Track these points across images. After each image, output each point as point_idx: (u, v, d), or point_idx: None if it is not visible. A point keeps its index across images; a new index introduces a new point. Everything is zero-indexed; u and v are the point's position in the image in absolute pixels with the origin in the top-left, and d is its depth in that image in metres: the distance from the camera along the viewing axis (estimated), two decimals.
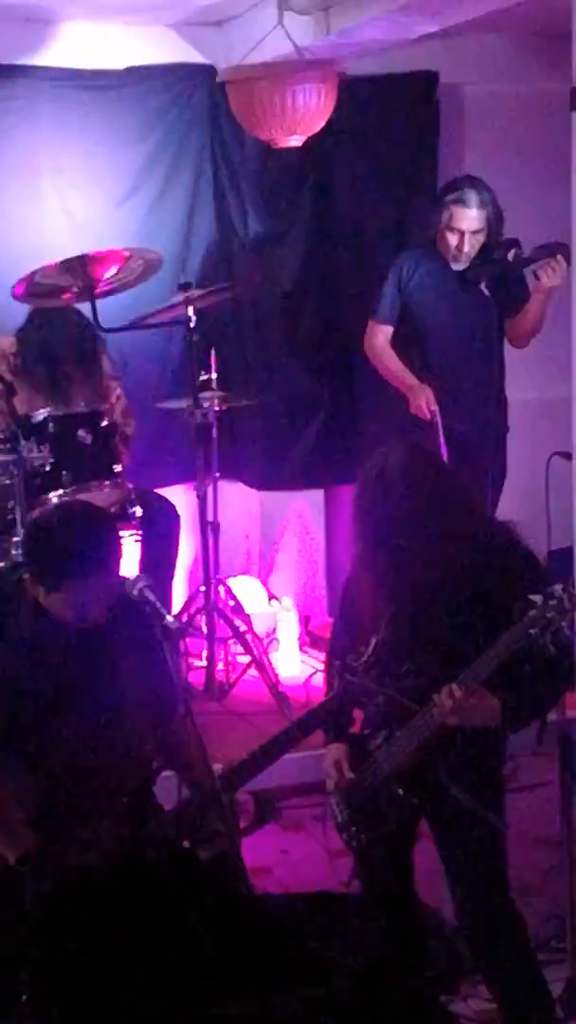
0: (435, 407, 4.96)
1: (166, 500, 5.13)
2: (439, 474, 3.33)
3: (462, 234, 4.91)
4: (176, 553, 5.13)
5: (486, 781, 3.24)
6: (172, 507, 5.10)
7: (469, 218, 4.90)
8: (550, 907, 3.92)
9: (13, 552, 4.28)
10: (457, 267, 4.99)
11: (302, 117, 4.77)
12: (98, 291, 4.65)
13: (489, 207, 4.90)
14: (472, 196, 4.88)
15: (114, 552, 3.25)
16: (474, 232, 4.91)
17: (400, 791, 3.24)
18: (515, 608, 3.00)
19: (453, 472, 3.73)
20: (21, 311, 4.87)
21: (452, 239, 4.94)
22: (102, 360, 4.97)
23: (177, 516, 5.11)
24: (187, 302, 4.80)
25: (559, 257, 4.73)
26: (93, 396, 4.84)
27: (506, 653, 3.02)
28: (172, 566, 5.11)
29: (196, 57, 5.54)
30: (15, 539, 4.29)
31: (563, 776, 3.87)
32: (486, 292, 4.90)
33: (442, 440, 4.88)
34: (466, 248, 4.94)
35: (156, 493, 5.12)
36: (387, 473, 3.19)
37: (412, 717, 3.17)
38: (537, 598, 2.97)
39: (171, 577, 5.11)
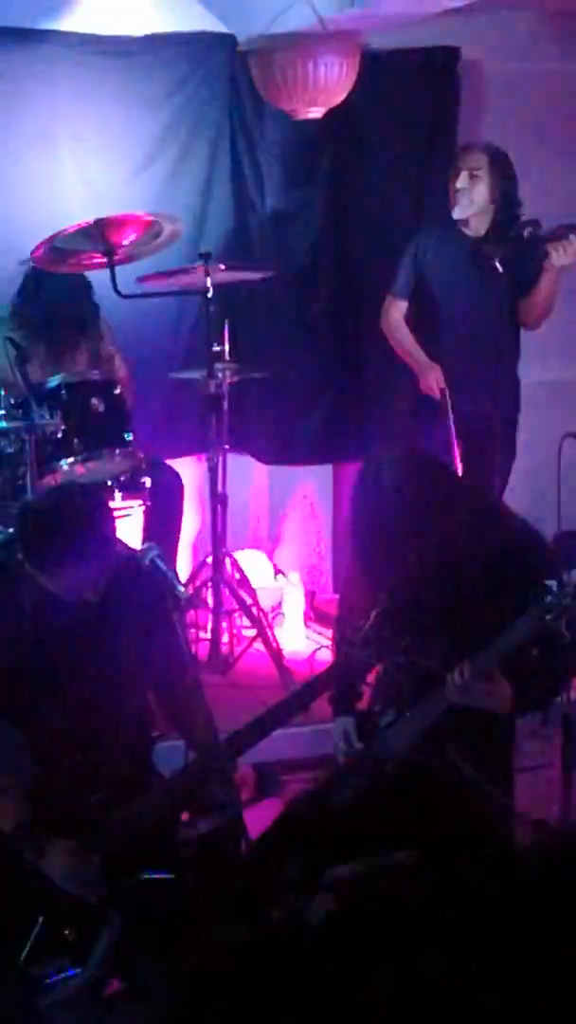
0: (444, 386, 4.95)
1: (172, 470, 5.12)
2: (437, 479, 3.25)
3: (456, 178, 4.91)
4: (180, 524, 5.13)
5: (496, 761, 3.24)
6: (178, 477, 5.10)
7: (467, 156, 4.92)
8: None
9: None
10: (455, 215, 4.96)
11: (323, 89, 4.75)
12: (117, 257, 4.65)
13: (495, 159, 4.90)
14: (476, 141, 4.92)
15: (103, 535, 3.18)
16: (472, 170, 4.89)
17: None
18: (529, 595, 2.98)
19: (453, 472, 3.68)
20: None
21: (453, 182, 4.94)
22: (100, 327, 4.97)
23: (181, 486, 5.10)
24: (206, 272, 4.78)
25: (571, 237, 4.71)
26: (92, 362, 4.85)
27: (520, 638, 3.01)
28: (176, 536, 5.11)
29: (217, 26, 5.50)
30: None
31: (564, 758, 3.87)
32: (500, 269, 4.86)
33: (451, 419, 4.87)
34: (458, 185, 4.90)
35: (162, 462, 5.11)
36: (382, 484, 3.16)
37: (423, 697, 3.17)
38: (553, 584, 2.94)
39: (175, 547, 5.11)
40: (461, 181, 4.92)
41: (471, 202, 4.94)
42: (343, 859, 1.28)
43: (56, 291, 4.81)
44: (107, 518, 3.24)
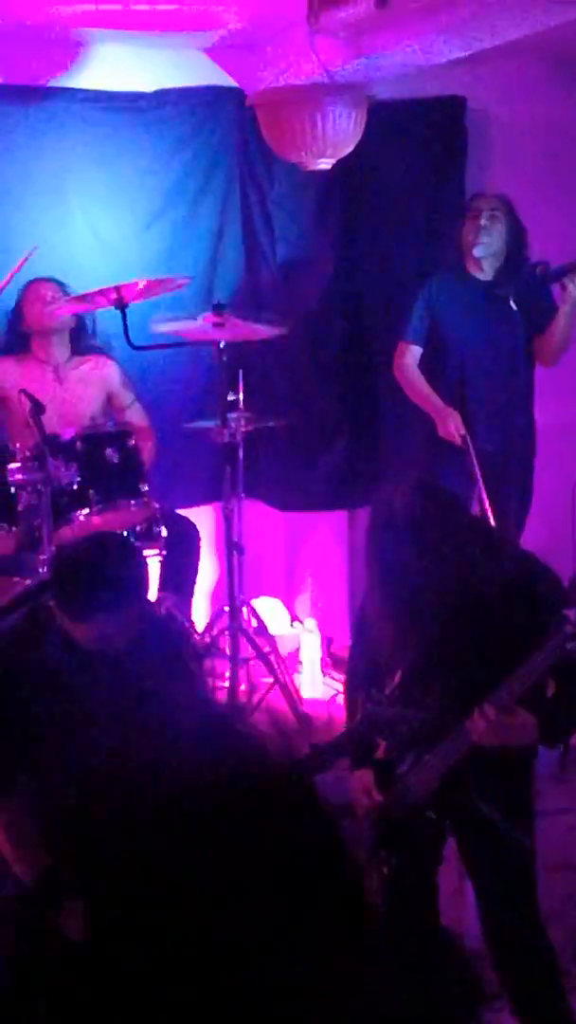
0: (464, 431, 4.95)
1: (187, 520, 5.15)
2: (448, 512, 3.23)
3: (477, 218, 4.96)
4: (196, 573, 5.15)
5: (517, 802, 3.22)
6: (194, 527, 5.12)
7: (484, 200, 5.00)
8: (570, 934, 3.89)
9: (40, 570, 4.30)
10: (476, 253, 5.00)
11: (331, 140, 4.78)
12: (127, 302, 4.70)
13: (508, 207, 4.99)
14: (490, 190, 5.00)
15: (140, 584, 3.20)
16: (491, 213, 4.96)
17: (432, 815, 3.21)
18: (545, 626, 2.98)
19: (460, 501, 3.67)
20: None
21: (469, 228, 4.99)
22: (116, 376, 5.05)
23: (198, 537, 5.12)
24: (218, 326, 4.81)
25: None
26: (105, 413, 4.92)
27: (541, 669, 3.00)
28: (192, 586, 5.12)
29: (226, 80, 5.57)
30: (42, 556, 4.32)
31: None
32: (514, 307, 4.86)
33: (475, 463, 4.85)
34: (482, 223, 4.97)
35: (178, 513, 5.14)
36: (394, 517, 3.17)
37: (442, 741, 3.15)
38: (572, 612, 2.94)
39: (191, 597, 5.12)
40: (484, 219, 4.98)
41: (491, 239, 4.99)
42: None
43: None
44: (141, 564, 3.24)
